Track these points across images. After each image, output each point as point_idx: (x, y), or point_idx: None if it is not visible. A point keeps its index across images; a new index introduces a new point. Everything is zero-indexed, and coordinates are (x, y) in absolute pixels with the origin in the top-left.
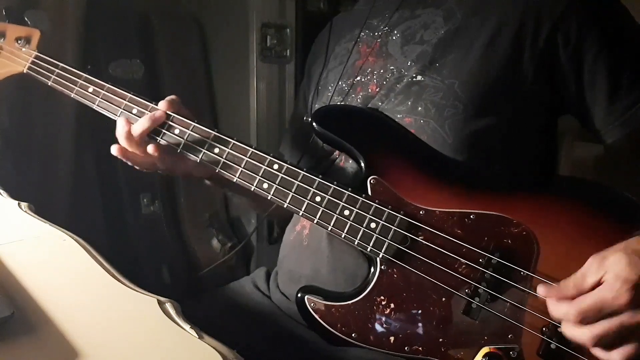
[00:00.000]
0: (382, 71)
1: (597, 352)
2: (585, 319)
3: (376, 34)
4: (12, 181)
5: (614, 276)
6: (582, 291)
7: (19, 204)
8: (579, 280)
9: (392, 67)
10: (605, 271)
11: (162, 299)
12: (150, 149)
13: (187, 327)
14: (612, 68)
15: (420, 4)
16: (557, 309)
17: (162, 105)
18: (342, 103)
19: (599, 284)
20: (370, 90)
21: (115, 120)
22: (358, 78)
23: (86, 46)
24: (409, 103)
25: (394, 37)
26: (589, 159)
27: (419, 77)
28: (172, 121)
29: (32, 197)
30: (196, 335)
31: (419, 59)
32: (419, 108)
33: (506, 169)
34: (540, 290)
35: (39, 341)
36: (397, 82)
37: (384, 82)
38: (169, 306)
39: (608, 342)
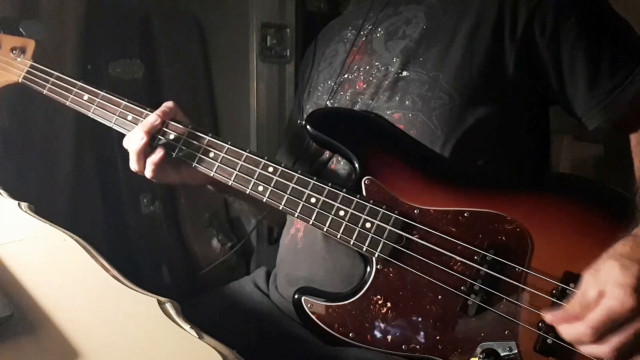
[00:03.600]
0: (367, 67)
1: None
2: (600, 334)
3: (362, 32)
4: (12, 181)
5: (613, 284)
6: (588, 307)
7: (19, 204)
8: (581, 299)
9: (377, 64)
10: (603, 282)
11: (162, 299)
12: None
13: (187, 327)
14: (591, 54)
15: (403, 1)
16: (570, 331)
17: (156, 113)
18: (331, 101)
19: (601, 296)
20: (357, 87)
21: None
22: (345, 76)
23: (86, 46)
24: (397, 98)
25: (377, 35)
26: (589, 159)
27: (404, 73)
28: (166, 127)
29: (32, 197)
30: (196, 335)
31: (402, 53)
32: (407, 102)
33: (498, 162)
34: (549, 317)
35: (39, 341)
36: (383, 79)
37: (371, 79)
38: (169, 306)
39: (628, 351)
